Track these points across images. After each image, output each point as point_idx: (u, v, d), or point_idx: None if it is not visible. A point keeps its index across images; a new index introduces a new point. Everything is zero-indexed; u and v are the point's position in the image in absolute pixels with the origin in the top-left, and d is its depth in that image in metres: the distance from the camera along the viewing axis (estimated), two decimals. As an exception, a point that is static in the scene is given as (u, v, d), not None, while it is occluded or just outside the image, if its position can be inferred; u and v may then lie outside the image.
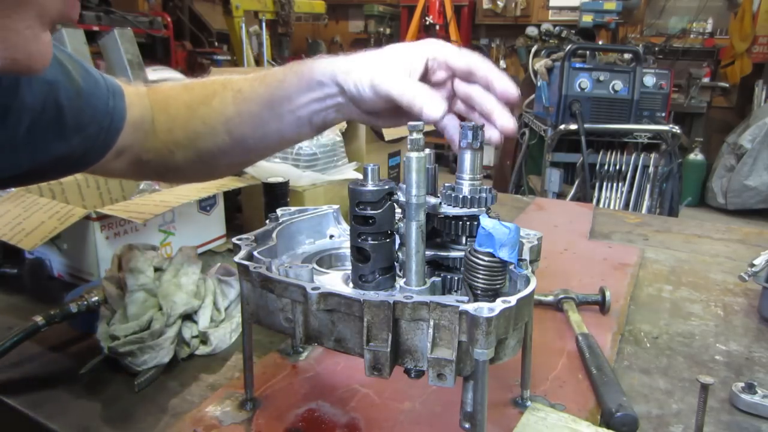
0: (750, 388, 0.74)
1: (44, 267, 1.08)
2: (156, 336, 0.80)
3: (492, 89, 0.69)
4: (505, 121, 0.68)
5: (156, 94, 0.84)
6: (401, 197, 0.58)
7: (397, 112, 0.70)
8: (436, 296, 0.57)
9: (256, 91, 0.78)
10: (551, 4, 6.41)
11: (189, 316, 0.86)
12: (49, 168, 0.72)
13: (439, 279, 0.62)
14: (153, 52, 5.05)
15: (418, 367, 0.56)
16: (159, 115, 0.82)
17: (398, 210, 0.60)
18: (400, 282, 0.60)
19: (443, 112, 0.65)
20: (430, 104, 0.64)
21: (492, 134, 0.68)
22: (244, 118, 0.79)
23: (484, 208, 0.61)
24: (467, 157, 0.61)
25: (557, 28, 4.78)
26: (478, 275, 0.55)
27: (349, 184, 0.60)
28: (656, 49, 5.35)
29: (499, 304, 0.51)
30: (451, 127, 0.69)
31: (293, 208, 0.80)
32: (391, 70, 0.68)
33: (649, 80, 3.43)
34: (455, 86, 0.73)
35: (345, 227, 0.80)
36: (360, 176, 0.60)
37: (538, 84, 3.72)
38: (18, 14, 0.43)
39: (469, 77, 0.70)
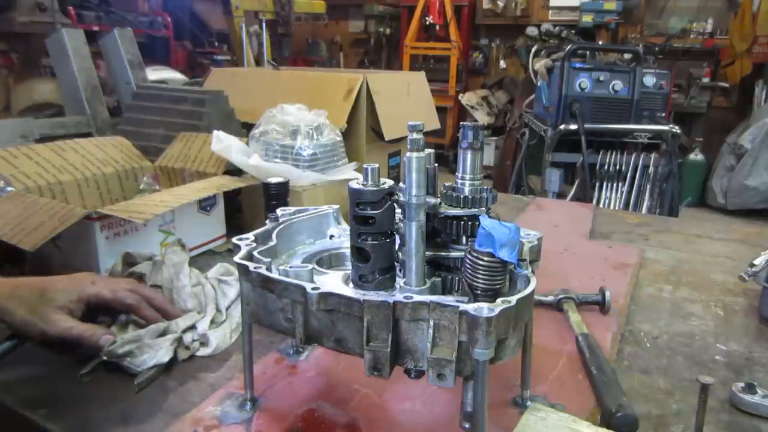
0: (750, 388, 0.74)
1: (44, 267, 1.08)
2: (154, 335, 0.80)
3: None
4: None
5: None
6: (401, 197, 0.58)
7: None
8: (436, 296, 0.58)
9: None
10: (551, 4, 6.40)
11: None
12: None
13: (439, 279, 0.62)
14: (153, 52, 5.05)
15: (418, 367, 0.56)
16: None
17: (398, 210, 0.60)
18: (400, 282, 0.60)
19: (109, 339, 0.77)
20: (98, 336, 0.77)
21: None
22: None
23: (484, 208, 0.61)
24: (467, 157, 0.61)
25: (557, 28, 4.77)
26: (478, 275, 0.55)
27: (348, 184, 0.60)
28: (656, 49, 5.34)
29: (499, 304, 0.51)
30: None
31: (293, 208, 0.80)
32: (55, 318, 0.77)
33: (649, 80, 3.43)
34: None
35: (345, 227, 0.80)
36: (360, 176, 0.60)
37: (538, 84, 3.72)
38: None
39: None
